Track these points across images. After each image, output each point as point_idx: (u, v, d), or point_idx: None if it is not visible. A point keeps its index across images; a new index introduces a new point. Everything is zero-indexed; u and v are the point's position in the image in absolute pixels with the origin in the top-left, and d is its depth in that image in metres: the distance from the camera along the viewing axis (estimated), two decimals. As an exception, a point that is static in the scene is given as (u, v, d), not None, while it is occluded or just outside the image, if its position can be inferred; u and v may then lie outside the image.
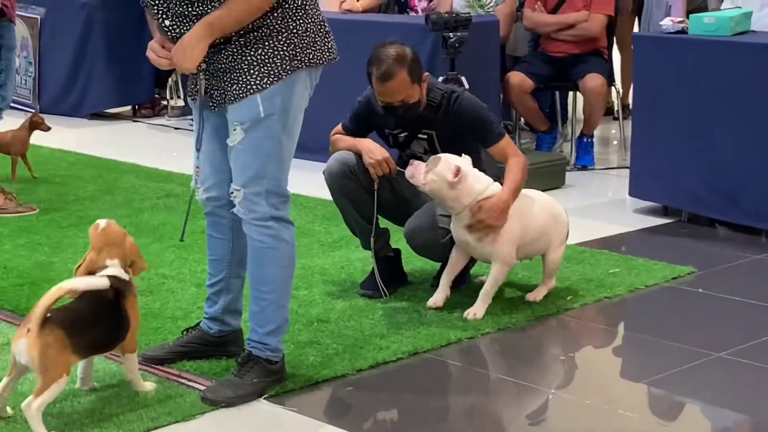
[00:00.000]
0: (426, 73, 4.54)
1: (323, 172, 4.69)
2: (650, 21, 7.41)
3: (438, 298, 4.48)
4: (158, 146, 8.20)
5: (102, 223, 3.71)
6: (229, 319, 3.94)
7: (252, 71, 3.56)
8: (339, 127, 4.79)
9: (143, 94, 9.34)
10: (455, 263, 4.50)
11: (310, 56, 3.68)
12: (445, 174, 4.29)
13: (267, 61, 3.56)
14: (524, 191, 4.48)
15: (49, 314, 3.34)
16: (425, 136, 4.61)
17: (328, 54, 3.76)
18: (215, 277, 3.92)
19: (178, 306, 4.51)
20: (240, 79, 3.58)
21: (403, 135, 4.64)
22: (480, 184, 4.35)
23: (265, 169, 3.65)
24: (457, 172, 4.28)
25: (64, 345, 3.32)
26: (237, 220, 3.74)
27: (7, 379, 3.46)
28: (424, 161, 4.52)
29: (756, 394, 3.81)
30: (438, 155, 4.38)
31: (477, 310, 4.38)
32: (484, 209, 4.32)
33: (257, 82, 3.56)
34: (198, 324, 4.01)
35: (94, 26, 9.08)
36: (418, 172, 4.35)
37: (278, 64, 3.57)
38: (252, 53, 3.56)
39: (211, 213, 3.92)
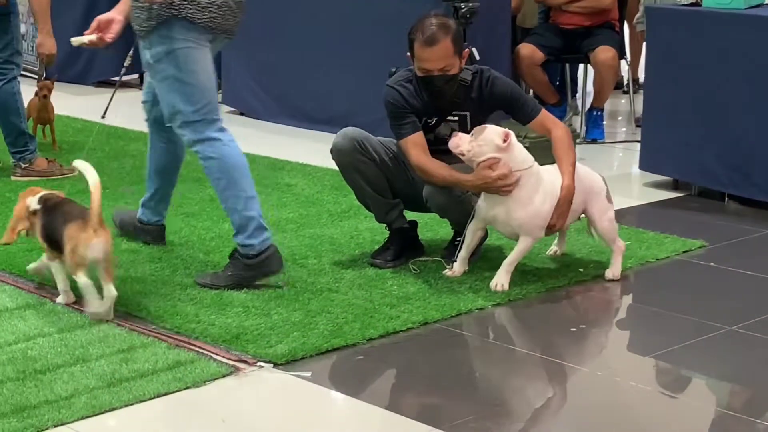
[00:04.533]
0: (466, 49, 4.51)
1: (331, 151, 4.65)
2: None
3: (457, 269, 4.47)
4: (166, 115, 8.17)
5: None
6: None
7: (140, 13, 4.26)
8: (405, 143, 4.47)
9: (150, 63, 9.28)
10: (474, 236, 4.48)
11: (189, 11, 4.20)
12: (494, 138, 4.27)
13: (147, 6, 4.21)
14: (556, 169, 4.44)
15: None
16: (456, 118, 4.56)
17: (210, 19, 4.26)
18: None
19: (187, 273, 4.50)
20: (135, 16, 4.30)
21: (434, 120, 4.59)
22: (524, 154, 4.35)
23: (174, 106, 4.32)
24: (507, 137, 4.27)
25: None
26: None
27: (89, 280, 3.93)
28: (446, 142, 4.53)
29: (766, 368, 3.80)
30: (482, 125, 4.36)
31: (502, 280, 4.36)
32: (562, 201, 4.34)
33: (139, 23, 4.28)
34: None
35: (103, -7, 9.03)
36: (463, 141, 4.32)
37: (155, 9, 4.19)
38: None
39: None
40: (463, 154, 4.33)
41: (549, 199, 4.36)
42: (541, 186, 4.35)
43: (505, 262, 4.41)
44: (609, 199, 4.59)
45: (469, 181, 4.34)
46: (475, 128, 4.37)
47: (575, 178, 4.41)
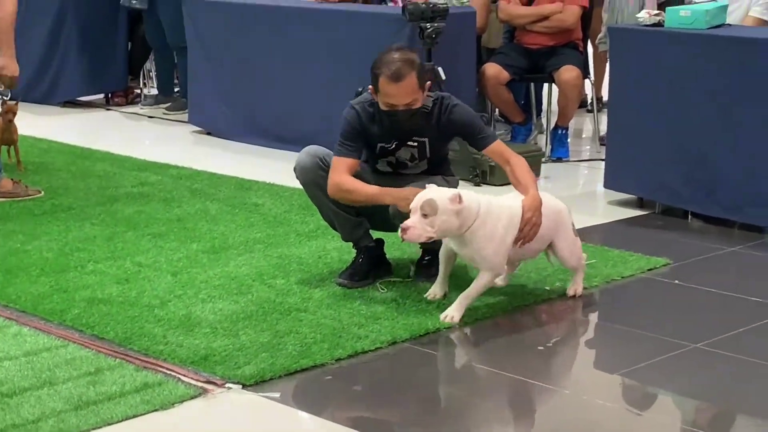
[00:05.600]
0: (428, 82, 4.52)
1: (294, 169, 4.66)
2: (619, 12, 7.43)
3: (438, 293, 4.46)
4: (132, 135, 8.17)
5: None
6: None
7: None
8: (338, 161, 4.50)
9: (116, 83, 9.28)
10: (447, 261, 4.46)
11: None
12: (449, 206, 4.17)
13: None
14: (515, 196, 4.44)
15: None
16: (415, 144, 4.59)
17: None
18: None
19: (154, 294, 4.49)
20: None
21: (393, 145, 4.61)
22: (474, 199, 4.28)
23: None
24: (459, 199, 4.20)
25: None
26: None
27: None
28: (409, 167, 4.57)
29: (731, 385, 3.84)
30: (424, 193, 4.22)
31: (454, 313, 4.30)
32: (527, 209, 4.33)
33: None
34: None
35: (67, 14, 9.02)
36: (420, 229, 4.15)
37: None
38: None
39: None
40: (431, 238, 4.22)
41: (509, 233, 4.33)
42: (500, 220, 4.31)
43: (462, 295, 4.31)
44: (575, 231, 4.59)
45: (386, 200, 4.36)
46: (419, 202, 4.17)
47: (543, 206, 4.40)
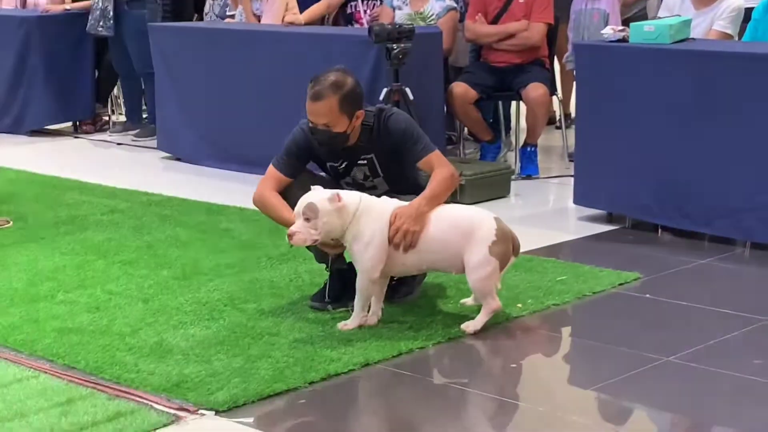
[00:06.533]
0: (360, 111, 4.47)
1: (254, 201, 4.64)
2: (585, 29, 7.46)
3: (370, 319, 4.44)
4: (101, 162, 8.14)
5: None
6: None
7: None
8: (271, 172, 4.57)
9: (84, 111, 9.26)
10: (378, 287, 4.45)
11: None
12: (327, 207, 4.21)
13: None
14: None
15: None
16: (365, 162, 4.60)
17: None
18: None
19: (126, 322, 4.46)
20: None
21: (343, 165, 4.62)
22: (353, 198, 4.30)
23: None
24: (338, 197, 4.24)
25: None
26: None
27: None
28: (367, 187, 4.56)
29: (704, 398, 3.85)
30: (305, 197, 4.26)
31: (351, 321, 4.37)
32: (398, 216, 4.31)
33: None
34: None
35: (32, 43, 9.01)
36: (304, 234, 4.23)
37: None
38: None
39: None
40: (316, 241, 4.27)
41: (379, 235, 4.30)
42: (376, 222, 4.30)
43: (354, 304, 4.39)
44: (494, 253, 4.28)
45: (291, 223, 4.32)
46: (300, 207, 4.23)
47: (452, 218, 4.34)
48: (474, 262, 4.29)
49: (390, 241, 4.30)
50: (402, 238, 4.29)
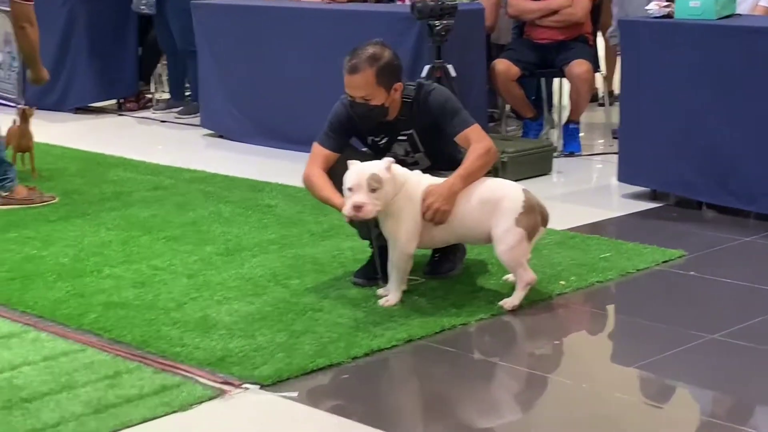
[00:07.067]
0: (399, 83, 4.47)
1: (303, 181, 4.64)
2: (629, 4, 7.41)
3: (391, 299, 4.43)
4: (144, 139, 8.20)
5: None
6: None
7: None
8: (316, 149, 4.57)
9: (127, 88, 9.32)
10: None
11: None
12: (383, 175, 4.20)
13: None
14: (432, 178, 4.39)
15: None
16: (405, 137, 4.59)
17: None
18: None
19: (170, 297, 4.50)
20: None
21: (384, 140, 4.62)
22: (399, 169, 4.31)
23: None
24: (389, 166, 4.24)
25: None
26: None
27: None
28: (408, 162, 4.53)
29: (749, 375, 3.83)
30: (361, 168, 4.23)
31: (391, 296, 4.38)
32: (430, 193, 4.31)
33: None
34: None
35: (76, 21, 9.06)
36: (370, 204, 4.18)
37: None
38: None
39: None
40: (379, 212, 4.24)
41: (413, 210, 4.30)
42: (405, 199, 4.30)
43: (391, 279, 4.39)
44: (521, 224, 4.27)
45: (338, 206, 4.33)
46: (362, 178, 4.18)
47: (479, 190, 4.34)
48: (500, 232, 4.30)
49: (422, 217, 4.31)
50: (432, 216, 4.30)
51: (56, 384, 3.68)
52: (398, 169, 4.32)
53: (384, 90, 4.42)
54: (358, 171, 4.23)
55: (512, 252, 4.31)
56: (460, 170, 4.36)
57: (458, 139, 4.48)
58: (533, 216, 4.34)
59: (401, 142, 4.61)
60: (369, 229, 4.52)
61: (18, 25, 6.13)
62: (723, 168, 5.63)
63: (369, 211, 4.21)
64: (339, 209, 4.34)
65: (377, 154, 4.64)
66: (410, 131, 4.58)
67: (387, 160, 4.28)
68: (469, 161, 4.38)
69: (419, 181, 4.36)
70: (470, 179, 4.35)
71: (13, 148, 6.66)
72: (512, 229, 4.28)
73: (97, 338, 4.10)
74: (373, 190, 4.20)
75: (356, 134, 4.67)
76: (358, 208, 4.19)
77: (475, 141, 4.43)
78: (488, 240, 4.38)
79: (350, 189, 4.22)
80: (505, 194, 4.34)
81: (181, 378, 3.73)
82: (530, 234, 4.33)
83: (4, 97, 8.96)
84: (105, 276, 4.78)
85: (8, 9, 8.81)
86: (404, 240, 4.34)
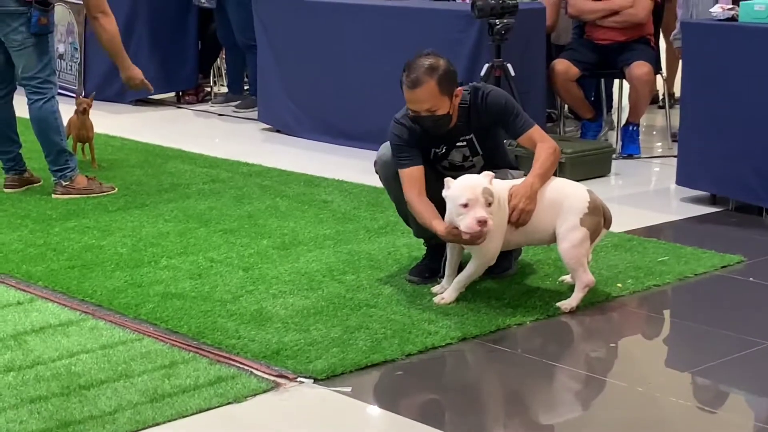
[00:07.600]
0: (459, 88, 4.46)
1: (375, 162, 4.68)
2: (694, 7, 7.34)
3: (444, 287, 4.45)
4: (203, 132, 8.25)
5: None
6: None
7: None
8: (403, 175, 4.46)
9: (187, 81, 9.39)
10: (453, 252, 4.47)
11: None
12: (490, 186, 4.20)
13: None
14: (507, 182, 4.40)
15: None
16: (464, 143, 4.57)
17: None
18: None
19: (227, 289, 4.53)
20: None
21: (444, 149, 4.60)
22: (496, 186, 4.30)
23: None
24: (491, 180, 4.24)
25: None
26: None
27: None
28: (466, 167, 4.53)
29: (808, 384, 3.79)
30: (473, 183, 4.20)
31: (447, 295, 4.37)
32: (514, 195, 4.31)
33: None
34: None
35: (138, 13, 9.14)
36: (489, 218, 4.13)
37: None
38: None
39: None
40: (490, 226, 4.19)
41: (503, 220, 4.30)
42: (501, 208, 4.29)
43: (456, 279, 4.38)
44: (585, 223, 4.29)
45: (440, 232, 4.31)
46: (477, 193, 4.15)
47: (546, 190, 4.33)
48: (564, 230, 4.31)
49: (508, 220, 4.31)
50: (518, 216, 4.30)
51: (113, 372, 3.72)
52: (494, 180, 4.31)
53: (447, 98, 4.41)
54: (471, 186, 4.20)
55: (575, 250, 4.30)
56: (536, 169, 4.37)
57: (522, 139, 4.50)
58: (597, 217, 4.35)
59: (460, 148, 4.59)
60: (423, 228, 4.51)
61: (92, 16, 6.16)
62: (784, 173, 5.56)
63: (491, 226, 4.19)
64: (440, 235, 4.32)
65: (432, 164, 4.61)
66: (469, 136, 4.56)
67: (488, 174, 4.27)
68: (542, 160, 4.40)
69: (502, 187, 4.35)
70: (545, 177, 4.38)
71: (73, 138, 6.75)
72: (577, 228, 4.30)
73: (153, 328, 4.14)
74: (489, 204, 4.19)
75: (421, 147, 4.60)
76: (482, 223, 4.16)
77: (540, 141, 4.46)
78: (552, 240, 4.38)
79: (465, 205, 4.18)
80: (571, 194, 4.37)
81: (236, 370, 3.76)
82: (593, 234, 4.34)
83: (66, 87, 9.09)
84: (162, 267, 4.82)
85: (76, 1, 8.94)
86: (494, 250, 4.35)
